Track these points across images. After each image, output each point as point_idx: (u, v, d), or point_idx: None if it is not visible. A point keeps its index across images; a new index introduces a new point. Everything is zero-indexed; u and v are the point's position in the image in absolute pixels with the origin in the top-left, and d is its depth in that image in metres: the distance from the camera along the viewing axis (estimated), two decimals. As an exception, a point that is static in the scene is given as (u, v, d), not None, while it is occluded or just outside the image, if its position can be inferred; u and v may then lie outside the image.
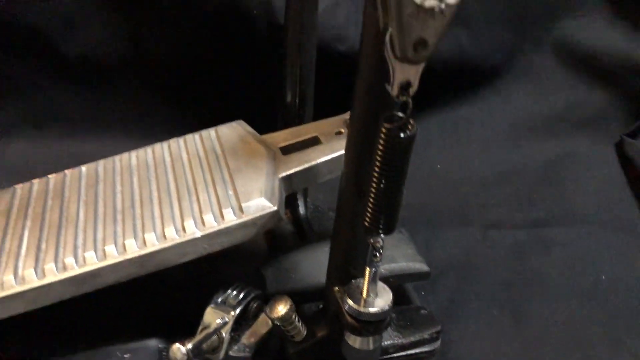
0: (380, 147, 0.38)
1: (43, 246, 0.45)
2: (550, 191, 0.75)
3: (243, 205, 0.45)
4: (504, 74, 0.84)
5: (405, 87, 0.34)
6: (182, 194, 0.48)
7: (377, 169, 0.38)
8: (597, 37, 0.82)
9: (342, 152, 0.51)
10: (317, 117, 0.63)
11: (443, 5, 0.29)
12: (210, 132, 0.55)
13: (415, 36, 0.33)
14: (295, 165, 0.50)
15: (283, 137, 0.54)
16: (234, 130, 0.55)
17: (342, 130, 0.53)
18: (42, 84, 0.71)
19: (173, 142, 0.54)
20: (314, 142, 0.53)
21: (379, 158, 0.38)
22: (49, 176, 0.53)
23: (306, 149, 0.52)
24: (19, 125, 0.73)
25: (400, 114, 0.38)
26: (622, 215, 0.72)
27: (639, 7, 0.81)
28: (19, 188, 0.53)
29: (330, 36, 0.74)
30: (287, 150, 0.52)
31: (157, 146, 0.54)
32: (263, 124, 0.73)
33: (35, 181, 0.53)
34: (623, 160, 0.79)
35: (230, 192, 0.47)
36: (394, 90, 0.34)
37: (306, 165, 0.50)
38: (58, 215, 0.48)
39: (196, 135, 0.55)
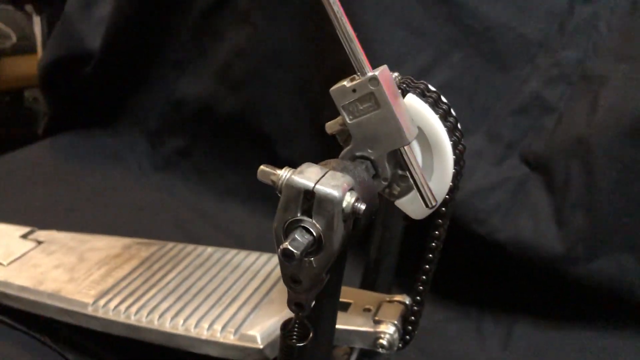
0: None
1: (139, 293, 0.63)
2: None
3: (241, 331, 0.54)
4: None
5: (299, 306, 0.40)
6: (223, 300, 0.59)
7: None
8: None
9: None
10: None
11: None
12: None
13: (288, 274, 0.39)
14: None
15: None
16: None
17: (371, 308, 0.57)
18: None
19: (252, 255, 0.67)
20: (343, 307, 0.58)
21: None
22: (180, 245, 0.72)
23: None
24: (235, 193, 1.00)
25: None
26: None
27: None
28: (168, 246, 0.72)
29: (471, 216, 0.75)
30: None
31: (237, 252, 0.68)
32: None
33: (171, 245, 0.72)
34: None
35: (252, 316, 0.56)
36: (290, 308, 0.41)
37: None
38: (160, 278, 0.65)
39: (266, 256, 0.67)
